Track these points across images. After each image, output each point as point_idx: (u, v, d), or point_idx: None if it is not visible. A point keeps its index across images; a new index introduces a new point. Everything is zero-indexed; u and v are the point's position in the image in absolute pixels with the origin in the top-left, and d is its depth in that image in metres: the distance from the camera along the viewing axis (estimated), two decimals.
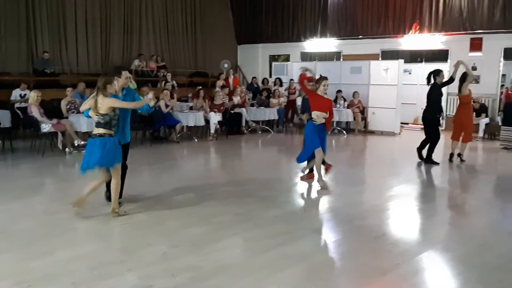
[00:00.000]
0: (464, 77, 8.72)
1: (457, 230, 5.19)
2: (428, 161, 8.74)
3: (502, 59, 13.21)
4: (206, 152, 10.40)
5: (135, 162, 8.77)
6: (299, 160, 6.94)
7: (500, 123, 11.48)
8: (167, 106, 10.82)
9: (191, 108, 12.33)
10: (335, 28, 16.48)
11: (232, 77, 15.91)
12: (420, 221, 5.59)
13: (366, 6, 15.63)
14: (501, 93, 12.82)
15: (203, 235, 4.76)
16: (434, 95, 8.68)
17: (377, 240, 4.73)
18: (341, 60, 16.24)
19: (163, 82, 13.87)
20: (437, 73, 8.71)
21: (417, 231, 5.13)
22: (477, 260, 4.24)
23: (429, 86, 8.73)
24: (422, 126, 9.30)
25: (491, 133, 12.66)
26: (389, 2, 15.03)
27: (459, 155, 8.99)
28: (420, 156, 8.94)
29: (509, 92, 10.81)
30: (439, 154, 9.20)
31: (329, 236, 4.99)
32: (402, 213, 5.80)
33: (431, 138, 8.79)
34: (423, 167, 8.61)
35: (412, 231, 5.12)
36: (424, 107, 8.95)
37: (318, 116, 6.49)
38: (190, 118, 11.16)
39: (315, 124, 6.52)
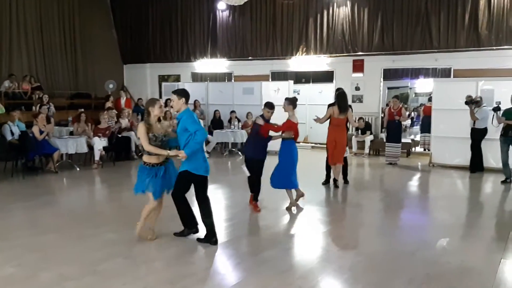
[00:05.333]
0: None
1: (362, 255, 4.99)
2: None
3: (382, 79, 14.06)
4: (89, 183, 9.38)
5: (4, 199, 7.57)
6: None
7: (384, 140, 12.05)
8: (41, 132, 9.62)
9: (71, 133, 11.17)
10: (225, 49, 16.38)
11: (124, 98, 14.95)
12: (323, 247, 5.33)
13: (254, 28, 15.76)
14: (383, 110, 13.57)
15: None
16: None
17: (284, 275, 4.36)
18: (233, 81, 16.11)
19: (38, 105, 12.48)
20: None
21: (323, 260, 4.85)
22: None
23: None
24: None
25: (376, 149, 13.33)
26: (277, 24, 15.32)
27: (335, 180, 8.54)
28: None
29: (391, 110, 11.35)
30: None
31: (232, 276, 4.46)
32: (304, 240, 5.58)
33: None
34: (317, 187, 8.57)
35: (317, 261, 4.83)
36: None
37: None
38: (70, 145, 10.04)
39: None
